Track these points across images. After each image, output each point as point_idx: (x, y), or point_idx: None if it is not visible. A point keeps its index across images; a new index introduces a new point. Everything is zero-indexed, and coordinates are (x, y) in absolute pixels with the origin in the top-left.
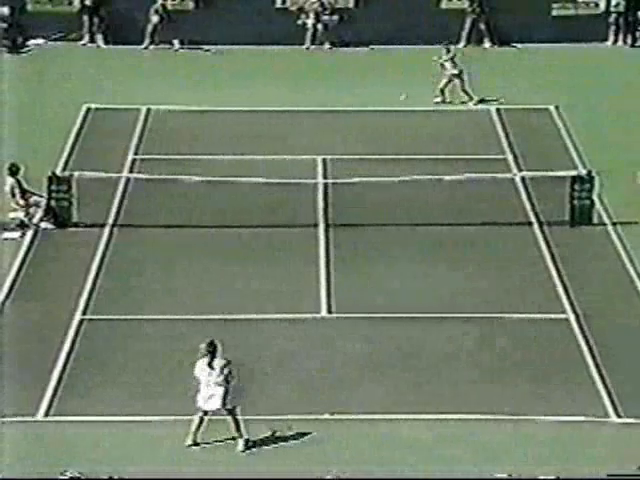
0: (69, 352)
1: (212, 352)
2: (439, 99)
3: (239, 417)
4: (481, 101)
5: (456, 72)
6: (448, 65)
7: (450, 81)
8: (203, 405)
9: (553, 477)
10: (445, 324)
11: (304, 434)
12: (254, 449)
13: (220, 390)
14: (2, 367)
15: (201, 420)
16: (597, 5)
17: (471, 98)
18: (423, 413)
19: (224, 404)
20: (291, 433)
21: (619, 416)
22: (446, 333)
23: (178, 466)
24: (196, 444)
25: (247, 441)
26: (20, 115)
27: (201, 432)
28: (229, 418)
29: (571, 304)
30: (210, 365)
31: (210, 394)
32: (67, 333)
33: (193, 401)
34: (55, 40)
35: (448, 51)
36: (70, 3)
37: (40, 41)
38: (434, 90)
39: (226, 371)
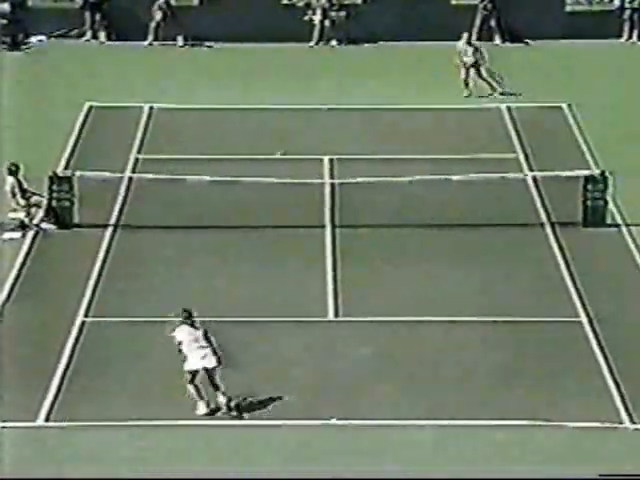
0: (70, 355)
1: (190, 316)
2: (467, 93)
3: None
4: (503, 93)
5: (471, 60)
6: (464, 54)
7: (468, 70)
8: (200, 365)
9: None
10: (455, 328)
11: (310, 439)
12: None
13: (209, 349)
14: (2, 370)
15: (193, 381)
16: (611, 1)
17: (494, 89)
18: (433, 419)
19: (219, 362)
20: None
21: (633, 422)
22: (456, 337)
23: (180, 469)
24: (212, 411)
25: (229, 399)
26: (21, 113)
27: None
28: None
29: (584, 307)
30: (194, 326)
31: (204, 354)
32: (69, 335)
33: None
34: (57, 37)
35: (469, 40)
36: None
37: (41, 38)
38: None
39: (205, 331)
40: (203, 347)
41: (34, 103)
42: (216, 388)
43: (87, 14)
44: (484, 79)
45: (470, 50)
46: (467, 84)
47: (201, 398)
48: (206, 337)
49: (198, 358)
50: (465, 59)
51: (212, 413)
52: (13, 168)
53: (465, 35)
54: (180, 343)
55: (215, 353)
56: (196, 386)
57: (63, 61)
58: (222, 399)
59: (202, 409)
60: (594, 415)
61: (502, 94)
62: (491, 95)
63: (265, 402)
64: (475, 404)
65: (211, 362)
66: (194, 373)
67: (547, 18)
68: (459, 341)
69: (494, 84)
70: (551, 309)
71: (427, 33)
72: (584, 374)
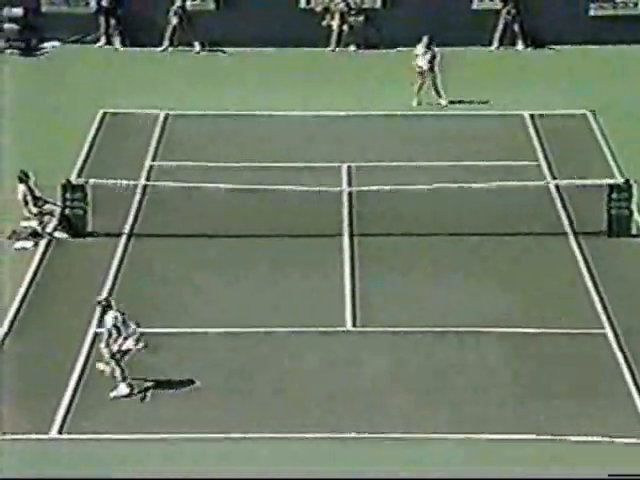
0: (83, 366)
1: (110, 303)
2: (417, 101)
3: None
4: (451, 102)
5: (428, 67)
6: (422, 59)
7: (423, 76)
8: (134, 346)
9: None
10: (476, 339)
11: (327, 451)
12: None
13: (138, 332)
14: (15, 381)
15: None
16: (636, 5)
17: (440, 97)
18: (453, 432)
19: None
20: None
21: None
22: (477, 348)
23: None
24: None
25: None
26: (34, 120)
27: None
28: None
29: (609, 319)
30: (119, 311)
31: (137, 337)
32: (81, 347)
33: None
34: (71, 42)
35: (429, 45)
36: (86, 4)
37: (55, 43)
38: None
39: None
40: (134, 331)
41: (47, 109)
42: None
43: (101, 19)
44: (436, 87)
45: (428, 55)
46: (419, 91)
47: (124, 379)
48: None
49: (132, 340)
50: (421, 64)
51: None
52: (23, 176)
53: (425, 39)
54: (114, 326)
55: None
56: (122, 367)
57: (77, 67)
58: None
59: (124, 390)
60: (620, 429)
61: (446, 106)
62: (438, 105)
63: (283, 414)
64: (495, 417)
65: (140, 344)
66: (125, 352)
67: (570, 23)
68: (479, 352)
69: (442, 94)
70: (574, 320)
71: (447, 38)
72: (609, 388)
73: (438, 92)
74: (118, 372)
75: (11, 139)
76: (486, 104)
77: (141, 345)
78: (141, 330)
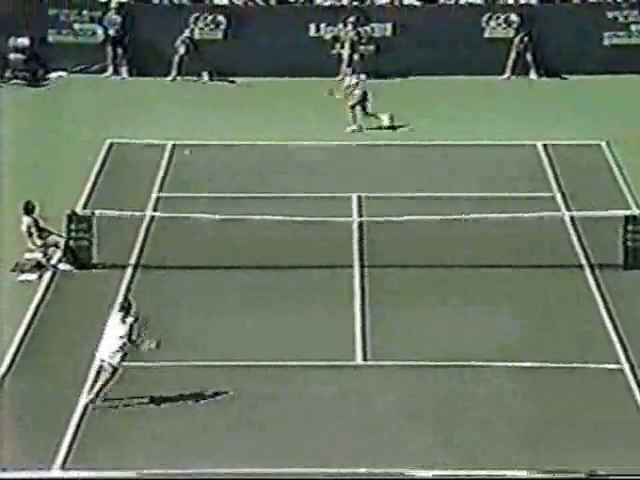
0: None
1: (127, 308)
2: (354, 128)
3: (112, 381)
4: (391, 127)
5: (360, 95)
6: (354, 87)
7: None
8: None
9: None
10: (488, 373)
11: None
12: None
13: (117, 344)
14: (17, 415)
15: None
16: None
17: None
18: (464, 468)
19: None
20: None
21: None
22: (489, 383)
23: None
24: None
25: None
26: (40, 150)
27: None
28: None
29: (626, 353)
30: (123, 320)
31: (106, 344)
32: (85, 380)
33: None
34: (77, 72)
35: (354, 72)
36: (93, 34)
37: (62, 73)
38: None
39: (134, 329)
40: (115, 339)
41: (54, 140)
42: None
43: (108, 49)
44: (368, 113)
45: (357, 83)
46: (355, 117)
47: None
48: (129, 331)
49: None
50: (355, 92)
51: None
52: (29, 207)
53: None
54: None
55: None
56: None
57: (84, 97)
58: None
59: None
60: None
61: (389, 128)
62: (380, 129)
63: (291, 448)
64: (508, 454)
65: (103, 355)
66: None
67: (584, 52)
68: (491, 386)
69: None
70: (590, 355)
71: (459, 67)
72: (626, 425)
73: (375, 115)
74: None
75: (17, 169)
76: (499, 134)
77: (153, 345)
78: (147, 363)
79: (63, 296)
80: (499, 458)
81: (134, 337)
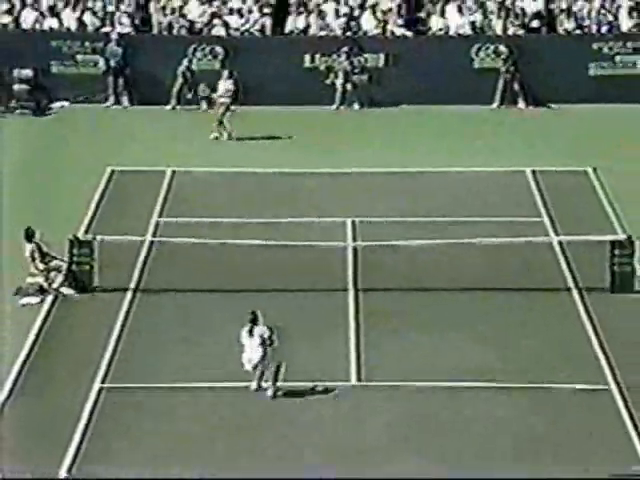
0: (88, 420)
1: (253, 321)
2: (216, 135)
3: (280, 374)
4: (230, 137)
5: (228, 102)
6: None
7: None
8: (247, 366)
9: None
10: (479, 394)
11: None
12: None
13: (259, 353)
14: (22, 433)
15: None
16: (635, 64)
17: (222, 134)
18: None
19: (256, 365)
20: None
21: None
22: (480, 404)
23: None
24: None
25: (277, 390)
26: (43, 177)
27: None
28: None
29: (613, 374)
30: (250, 332)
31: (249, 357)
32: (85, 402)
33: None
34: (80, 102)
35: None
36: (95, 64)
37: (64, 103)
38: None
39: (266, 336)
40: (255, 349)
41: (56, 167)
42: (274, 378)
43: (110, 79)
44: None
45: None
46: (221, 123)
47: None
48: (263, 340)
49: (247, 360)
50: (222, 100)
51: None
52: (30, 233)
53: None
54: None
55: (264, 356)
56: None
57: (86, 126)
58: (269, 392)
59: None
60: None
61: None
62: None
63: (287, 465)
64: (499, 472)
65: (252, 364)
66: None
67: (571, 82)
68: (481, 408)
69: (227, 130)
70: (579, 376)
71: (449, 96)
72: (614, 445)
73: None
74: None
75: (20, 195)
76: (489, 161)
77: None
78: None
79: (65, 319)
80: (486, 475)
81: (275, 342)
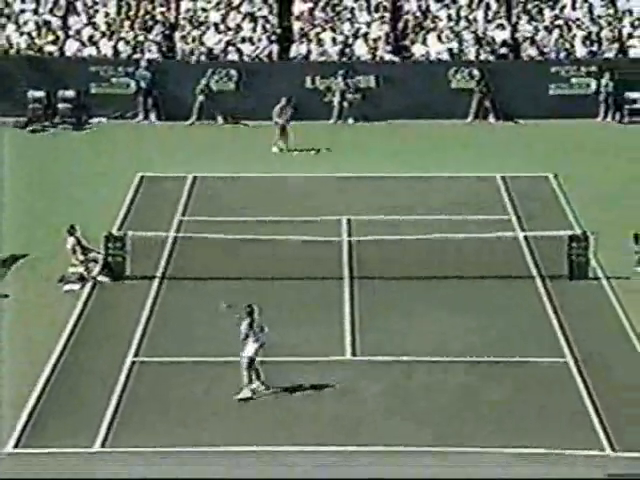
0: (122, 390)
1: (250, 314)
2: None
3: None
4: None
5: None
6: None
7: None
8: (254, 354)
9: None
10: (456, 367)
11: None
12: None
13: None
14: (63, 403)
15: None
16: (588, 85)
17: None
18: (437, 446)
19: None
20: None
21: (614, 450)
22: (457, 375)
23: None
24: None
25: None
26: (84, 182)
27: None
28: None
29: (570, 348)
30: (251, 325)
31: (255, 347)
32: (120, 373)
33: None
34: (114, 118)
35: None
36: (127, 86)
37: (102, 119)
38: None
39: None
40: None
41: (94, 173)
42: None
43: (140, 98)
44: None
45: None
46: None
47: (249, 384)
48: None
49: (254, 350)
50: (278, 120)
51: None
52: (71, 229)
53: (283, 100)
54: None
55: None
56: (249, 372)
57: (119, 138)
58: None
59: (247, 393)
60: (579, 444)
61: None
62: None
63: (289, 431)
64: (472, 434)
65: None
66: (252, 359)
67: (533, 100)
68: (460, 379)
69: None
70: (541, 351)
71: (430, 112)
72: (570, 407)
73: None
74: (245, 376)
75: (63, 198)
76: (464, 167)
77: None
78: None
79: (102, 303)
80: (466, 437)
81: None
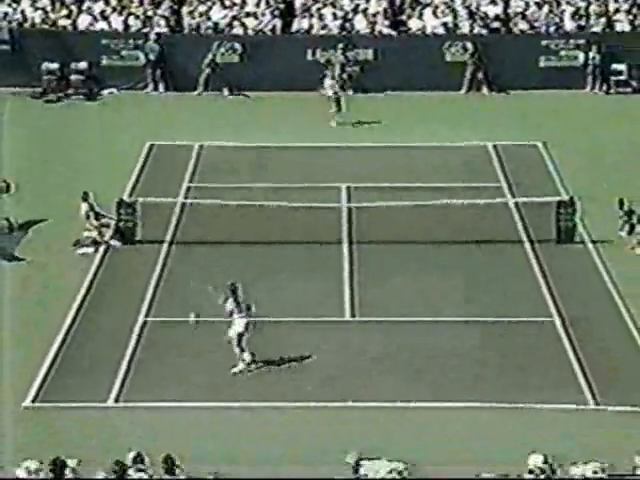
0: (134, 349)
1: (234, 291)
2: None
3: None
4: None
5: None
6: (329, 87)
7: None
8: (243, 330)
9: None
10: (450, 327)
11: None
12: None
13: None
14: (78, 362)
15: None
16: (577, 58)
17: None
18: (430, 401)
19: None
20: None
21: (597, 404)
22: (451, 334)
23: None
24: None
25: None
26: (96, 151)
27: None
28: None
29: (557, 309)
30: (237, 301)
31: (243, 322)
32: (132, 332)
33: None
34: (125, 89)
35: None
36: (137, 58)
37: (112, 90)
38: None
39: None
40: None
41: (106, 142)
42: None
43: (149, 70)
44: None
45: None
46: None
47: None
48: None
49: (240, 326)
50: (330, 92)
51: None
52: (85, 196)
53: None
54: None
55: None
56: (241, 346)
57: (130, 109)
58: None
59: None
60: (564, 398)
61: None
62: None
63: (288, 389)
64: (466, 390)
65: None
66: (241, 334)
67: (524, 72)
68: (453, 338)
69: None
70: (530, 311)
71: (425, 84)
72: (556, 364)
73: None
74: (237, 350)
75: (77, 166)
76: (458, 137)
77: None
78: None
79: (114, 266)
80: (460, 393)
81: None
